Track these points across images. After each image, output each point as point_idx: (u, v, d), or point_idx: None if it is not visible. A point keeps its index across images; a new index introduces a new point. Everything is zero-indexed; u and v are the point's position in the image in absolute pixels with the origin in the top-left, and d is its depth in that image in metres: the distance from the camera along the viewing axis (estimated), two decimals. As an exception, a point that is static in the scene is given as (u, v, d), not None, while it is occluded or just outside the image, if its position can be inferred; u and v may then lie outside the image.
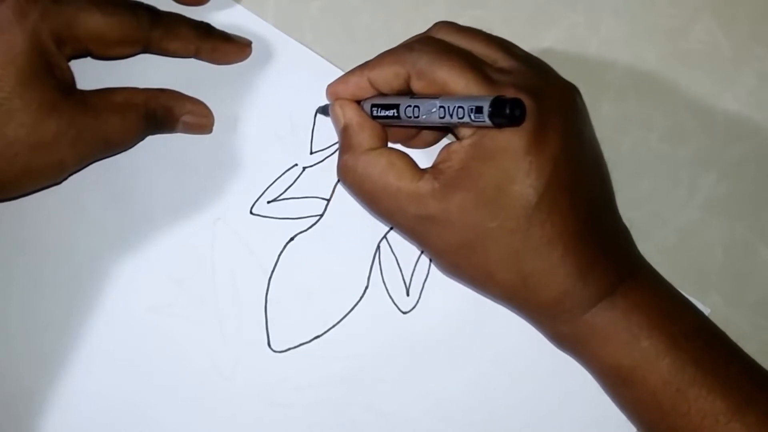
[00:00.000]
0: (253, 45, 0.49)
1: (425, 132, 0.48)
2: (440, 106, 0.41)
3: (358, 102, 0.46)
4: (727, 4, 0.51)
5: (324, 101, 0.48)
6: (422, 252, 0.49)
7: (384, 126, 0.46)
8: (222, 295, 0.49)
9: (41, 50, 0.42)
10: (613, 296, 0.43)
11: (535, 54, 0.46)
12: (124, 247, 0.49)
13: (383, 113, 0.45)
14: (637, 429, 0.46)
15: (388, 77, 0.44)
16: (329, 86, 0.47)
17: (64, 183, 0.47)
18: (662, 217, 0.50)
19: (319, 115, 0.50)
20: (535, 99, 0.41)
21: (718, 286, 0.46)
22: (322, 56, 0.50)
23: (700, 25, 0.51)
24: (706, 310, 0.48)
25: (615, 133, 0.51)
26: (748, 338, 0.46)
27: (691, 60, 0.51)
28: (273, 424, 0.48)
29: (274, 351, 0.49)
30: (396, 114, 0.44)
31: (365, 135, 0.45)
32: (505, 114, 0.39)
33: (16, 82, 0.42)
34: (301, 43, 0.50)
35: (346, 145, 0.46)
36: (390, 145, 0.47)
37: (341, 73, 0.47)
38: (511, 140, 0.41)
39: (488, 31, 0.46)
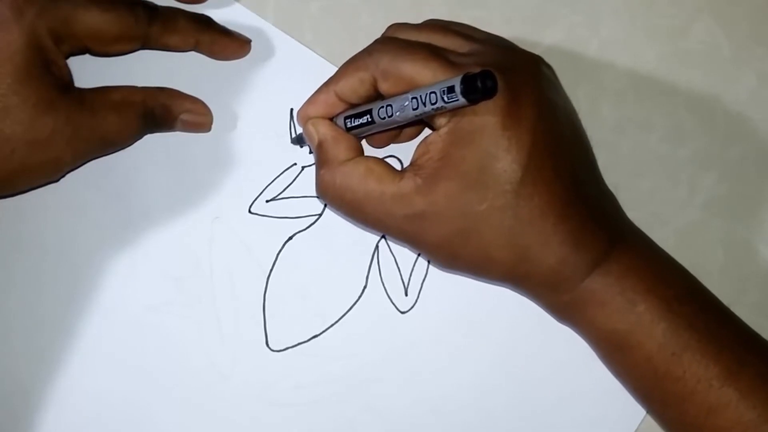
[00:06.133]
0: (252, 44, 0.49)
1: (405, 131, 0.48)
2: (412, 98, 0.41)
3: (331, 120, 0.46)
4: (727, 4, 0.51)
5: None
6: (419, 255, 0.49)
7: (360, 138, 0.46)
8: (220, 294, 0.49)
9: (39, 47, 0.42)
10: (607, 261, 0.43)
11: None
12: (122, 246, 0.49)
13: (357, 122, 0.44)
14: (632, 396, 0.46)
15: (354, 85, 0.44)
16: (299, 111, 0.46)
17: (62, 181, 0.47)
18: (662, 217, 0.50)
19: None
20: (502, 75, 0.41)
21: (718, 286, 0.46)
22: (322, 56, 0.50)
23: (700, 25, 0.51)
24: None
25: (614, 133, 0.50)
26: (748, 338, 0.46)
27: (691, 60, 0.51)
28: (270, 423, 0.48)
29: (272, 350, 0.49)
30: (370, 119, 0.43)
31: (341, 148, 0.44)
32: (477, 88, 0.38)
33: (12, 79, 0.42)
34: (301, 43, 0.50)
35: (321, 160, 0.45)
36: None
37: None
38: (487, 119, 0.41)
39: (488, 31, 0.46)
